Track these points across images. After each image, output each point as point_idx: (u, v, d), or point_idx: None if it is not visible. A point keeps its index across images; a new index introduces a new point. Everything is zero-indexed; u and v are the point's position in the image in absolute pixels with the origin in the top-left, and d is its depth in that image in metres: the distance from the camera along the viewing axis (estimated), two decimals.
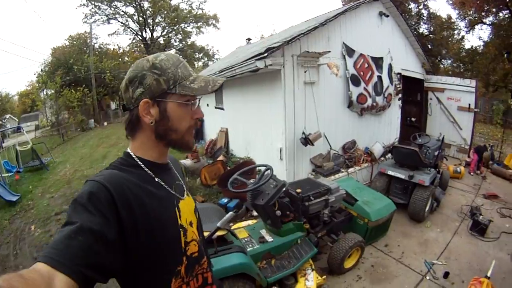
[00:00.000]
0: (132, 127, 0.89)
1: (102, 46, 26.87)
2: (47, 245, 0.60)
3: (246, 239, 2.94)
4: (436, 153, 5.19)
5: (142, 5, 26.04)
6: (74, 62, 21.49)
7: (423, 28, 24.18)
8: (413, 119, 8.89)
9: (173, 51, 29.84)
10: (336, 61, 5.37)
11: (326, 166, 5.20)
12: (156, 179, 0.90)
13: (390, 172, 4.98)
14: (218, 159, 6.34)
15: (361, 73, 5.76)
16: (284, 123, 4.80)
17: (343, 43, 5.49)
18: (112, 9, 25.75)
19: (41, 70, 22.31)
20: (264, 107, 5.52)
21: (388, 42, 6.69)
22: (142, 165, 0.88)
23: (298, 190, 3.05)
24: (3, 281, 0.47)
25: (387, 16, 6.51)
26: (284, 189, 2.84)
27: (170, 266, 0.88)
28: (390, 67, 6.54)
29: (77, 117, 20.01)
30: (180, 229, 0.91)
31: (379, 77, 6.20)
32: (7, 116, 30.93)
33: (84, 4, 24.26)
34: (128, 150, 0.91)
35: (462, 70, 23.34)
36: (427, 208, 4.57)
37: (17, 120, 30.79)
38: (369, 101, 6.03)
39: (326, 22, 5.02)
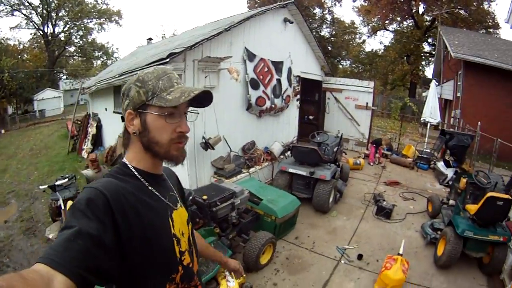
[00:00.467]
0: (126, 137, 1.00)
1: (2, 41, 25.28)
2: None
3: None
4: (335, 149, 6.09)
5: None
6: None
7: (325, 32, 27.65)
8: (311, 117, 10.29)
9: (72, 49, 30.14)
10: (237, 65, 5.87)
11: (228, 168, 5.60)
12: (150, 188, 0.98)
13: (291, 170, 5.59)
14: None
15: (261, 76, 6.44)
16: None
17: (245, 48, 6.07)
18: None
19: None
20: None
21: (290, 47, 7.62)
22: (137, 174, 0.97)
23: (205, 197, 3.38)
24: (3, 280, 0.51)
25: (292, 22, 7.44)
26: (190, 197, 3.11)
27: (164, 274, 0.96)
28: (289, 70, 7.48)
29: None
30: (174, 239, 0.99)
31: (278, 80, 7.03)
32: None
33: None
34: (124, 159, 1.00)
35: (361, 70, 27.36)
36: (330, 200, 5.37)
37: None
38: (268, 103, 6.78)
39: (231, 27, 5.43)
